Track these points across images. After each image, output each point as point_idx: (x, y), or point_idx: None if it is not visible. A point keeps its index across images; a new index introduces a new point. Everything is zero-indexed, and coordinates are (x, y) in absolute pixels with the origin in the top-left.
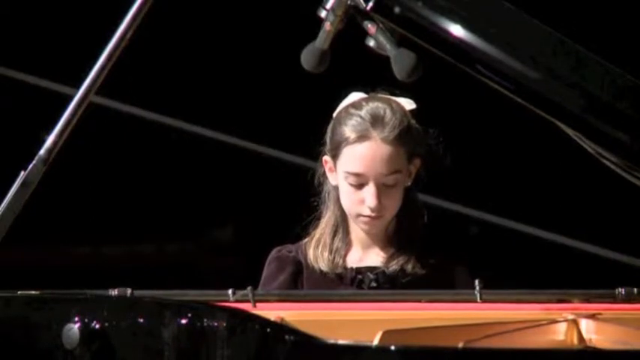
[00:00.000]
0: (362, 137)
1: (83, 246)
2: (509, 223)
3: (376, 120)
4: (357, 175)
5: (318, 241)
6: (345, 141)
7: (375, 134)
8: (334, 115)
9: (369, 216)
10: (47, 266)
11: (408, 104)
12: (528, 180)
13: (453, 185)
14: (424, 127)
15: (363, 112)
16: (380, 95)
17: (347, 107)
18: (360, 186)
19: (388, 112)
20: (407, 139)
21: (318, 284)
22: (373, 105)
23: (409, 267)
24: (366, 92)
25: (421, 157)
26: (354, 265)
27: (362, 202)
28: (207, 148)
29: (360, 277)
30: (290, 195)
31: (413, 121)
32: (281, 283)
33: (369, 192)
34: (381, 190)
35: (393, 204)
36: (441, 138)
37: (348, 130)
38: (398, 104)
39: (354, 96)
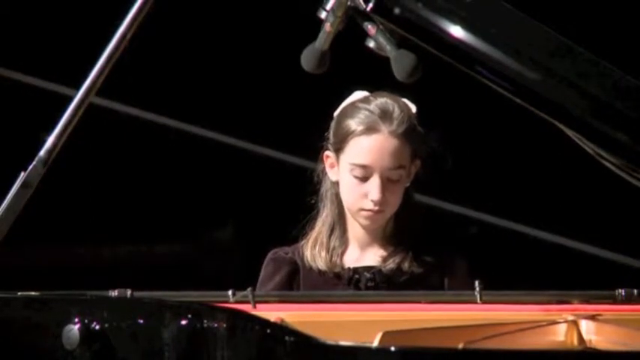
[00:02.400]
0: (370, 129)
1: (83, 246)
2: (509, 224)
3: (385, 114)
4: (363, 167)
5: (315, 240)
6: (352, 133)
7: (383, 127)
8: (338, 111)
9: (370, 210)
10: (47, 266)
11: (411, 107)
12: (528, 181)
13: (452, 186)
14: (427, 130)
15: (371, 107)
16: (385, 92)
17: (354, 102)
18: (364, 179)
19: (397, 108)
20: (412, 136)
21: (315, 284)
22: (382, 100)
23: (406, 265)
24: (370, 92)
25: (421, 159)
26: (351, 265)
27: (365, 195)
28: (207, 149)
29: (357, 276)
30: (290, 195)
31: (416, 123)
32: (277, 284)
33: (374, 184)
34: (385, 184)
35: (395, 200)
36: (442, 141)
37: (356, 123)
38: (404, 102)
39: (358, 94)
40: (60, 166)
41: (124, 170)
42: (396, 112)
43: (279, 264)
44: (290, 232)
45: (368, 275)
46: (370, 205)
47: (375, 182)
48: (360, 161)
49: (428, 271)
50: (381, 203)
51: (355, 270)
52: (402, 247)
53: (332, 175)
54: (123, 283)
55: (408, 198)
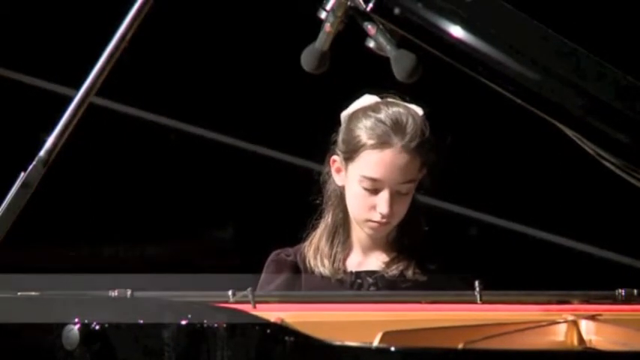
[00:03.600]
0: (383, 144)
1: (83, 246)
2: (509, 225)
3: (398, 127)
4: (373, 180)
5: (318, 242)
6: (364, 146)
7: (396, 141)
8: (346, 115)
9: (378, 222)
10: (47, 266)
11: (419, 111)
12: (528, 181)
13: (452, 186)
14: (436, 138)
15: (383, 117)
16: (395, 101)
17: (364, 109)
18: (373, 191)
19: (410, 120)
20: (423, 149)
21: (316, 287)
22: (395, 110)
23: (409, 273)
24: (379, 95)
25: (428, 167)
26: (354, 269)
27: (373, 207)
28: (207, 149)
29: (359, 281)
30: (290, 196)
31: (427, 132)
32: (277, 287)
33: (383, 198)
34: (394, 197)
35: (402, 211)
36: (451, 148)
37: (368, 135)
38: (417, 113)
39: (368, 98)
40: (60, 166)
41: (124, 170)
42: (410, 124)
43: (281, 266)
44: (290, 232)
45: (370, 280)
46: (378, 217)
47: (384, 196)
48: (370, 174)
49: (431, 280)
50: (389, 215)
51: (358, 274)
52: (406, 254)
53: (338, 179)
54: (123, 283)
55: (413, 204)
